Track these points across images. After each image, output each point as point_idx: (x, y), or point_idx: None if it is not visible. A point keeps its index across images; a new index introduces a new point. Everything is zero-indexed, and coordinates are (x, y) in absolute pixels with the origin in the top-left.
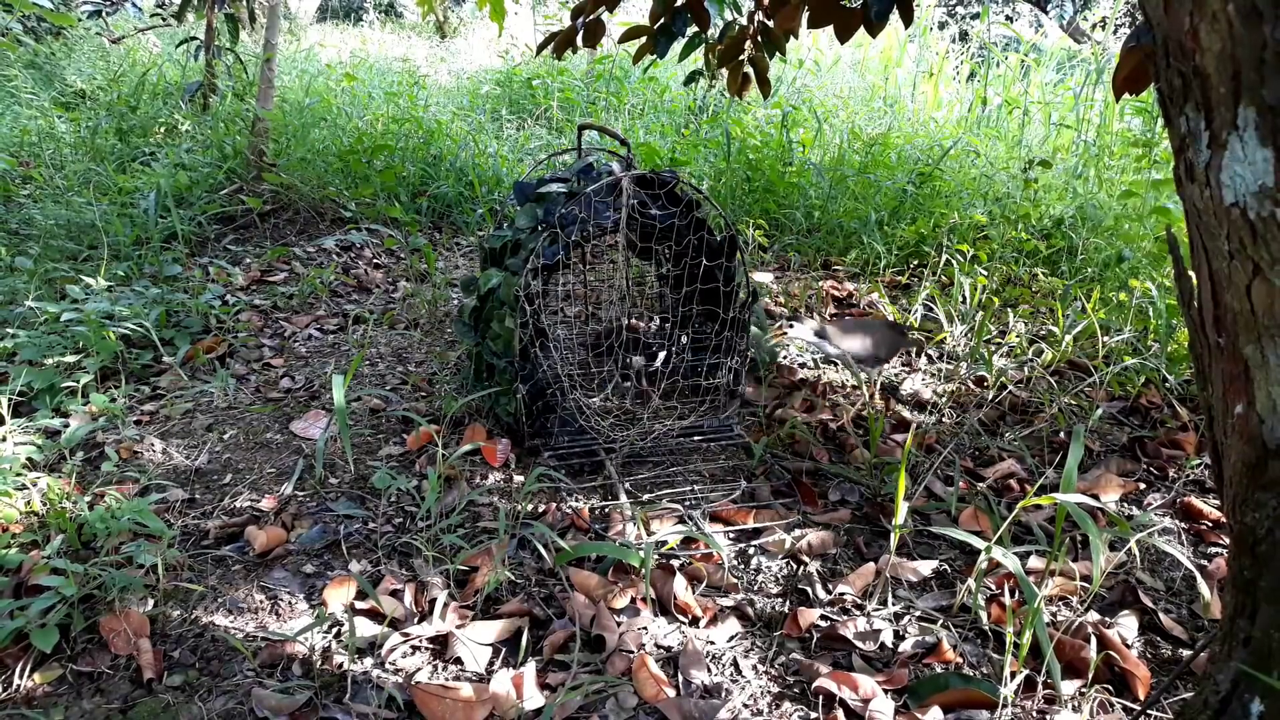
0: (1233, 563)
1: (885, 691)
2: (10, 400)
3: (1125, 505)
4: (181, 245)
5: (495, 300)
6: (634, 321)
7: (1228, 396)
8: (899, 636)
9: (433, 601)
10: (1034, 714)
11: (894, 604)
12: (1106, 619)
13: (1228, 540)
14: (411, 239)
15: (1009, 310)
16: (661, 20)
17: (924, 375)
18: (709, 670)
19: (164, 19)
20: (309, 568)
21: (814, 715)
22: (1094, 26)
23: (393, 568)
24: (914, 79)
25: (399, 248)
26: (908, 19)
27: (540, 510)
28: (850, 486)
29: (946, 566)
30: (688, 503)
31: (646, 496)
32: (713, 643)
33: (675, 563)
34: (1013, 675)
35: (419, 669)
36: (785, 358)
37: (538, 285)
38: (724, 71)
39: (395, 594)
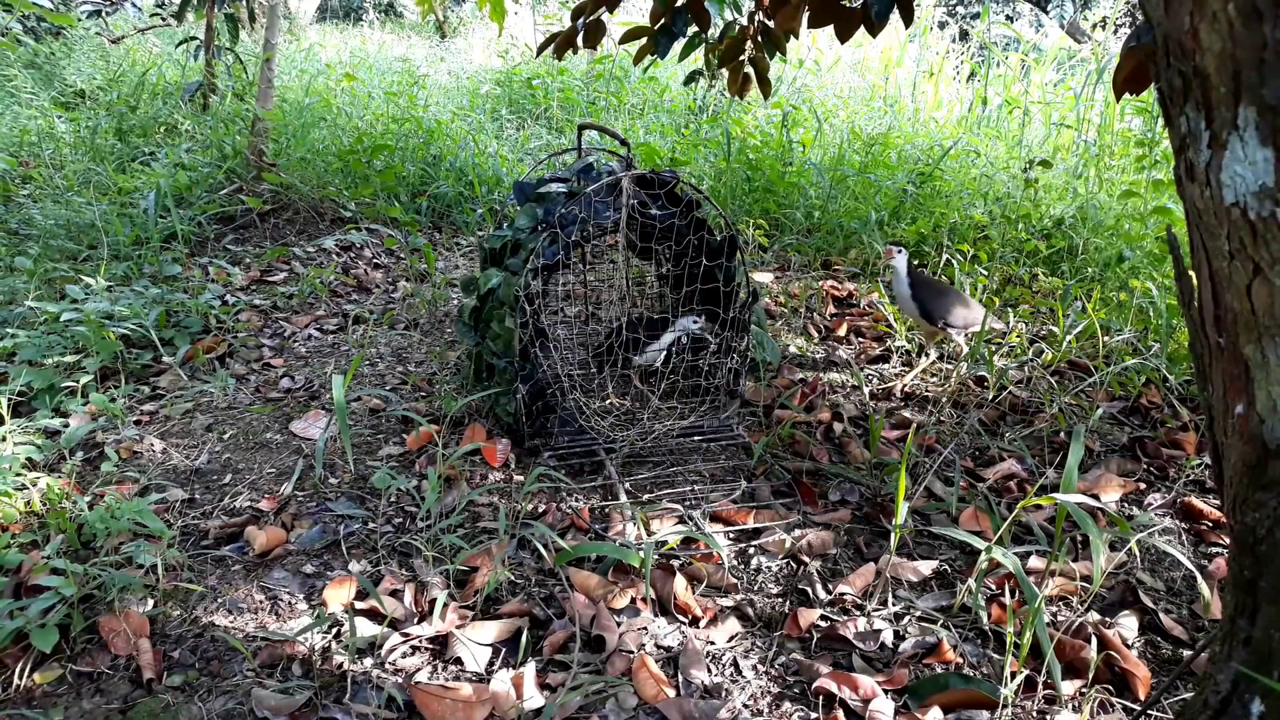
0: (1233, 563)
1: (885, 691)
2: (10, 400)
3: (1125, 505)
4: (181, 245)
5: (495, 300)
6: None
7: (1228, 396)
8: (899, 636)
9: (433, 601)
10: (1034, 714)
11: (894, 604)
12: (1107, 619)
13: (1228, 540)
14: (411, 239)
15: (1009, 310)
16: (662, 20)
17: (925, 375)
18: (709, 670)
19: (164, 19)
20: (309, 568)
21: (814, 715)
22: (1094, 26)
23: (393, 568)
24: (914, 79)
25: (399, 248)
26: (908, 19)
27: (540, 510)
28: (850, 486)
29: (946, 566)
30: (688, 503)
31: (646, 496)
32: (713, 643)
33: (675, 563)
34: (1013, 675)
35: (419, 669)
36: (786, 357)
37: (538, 285)
38: (724, 71)
39: (395, 594)
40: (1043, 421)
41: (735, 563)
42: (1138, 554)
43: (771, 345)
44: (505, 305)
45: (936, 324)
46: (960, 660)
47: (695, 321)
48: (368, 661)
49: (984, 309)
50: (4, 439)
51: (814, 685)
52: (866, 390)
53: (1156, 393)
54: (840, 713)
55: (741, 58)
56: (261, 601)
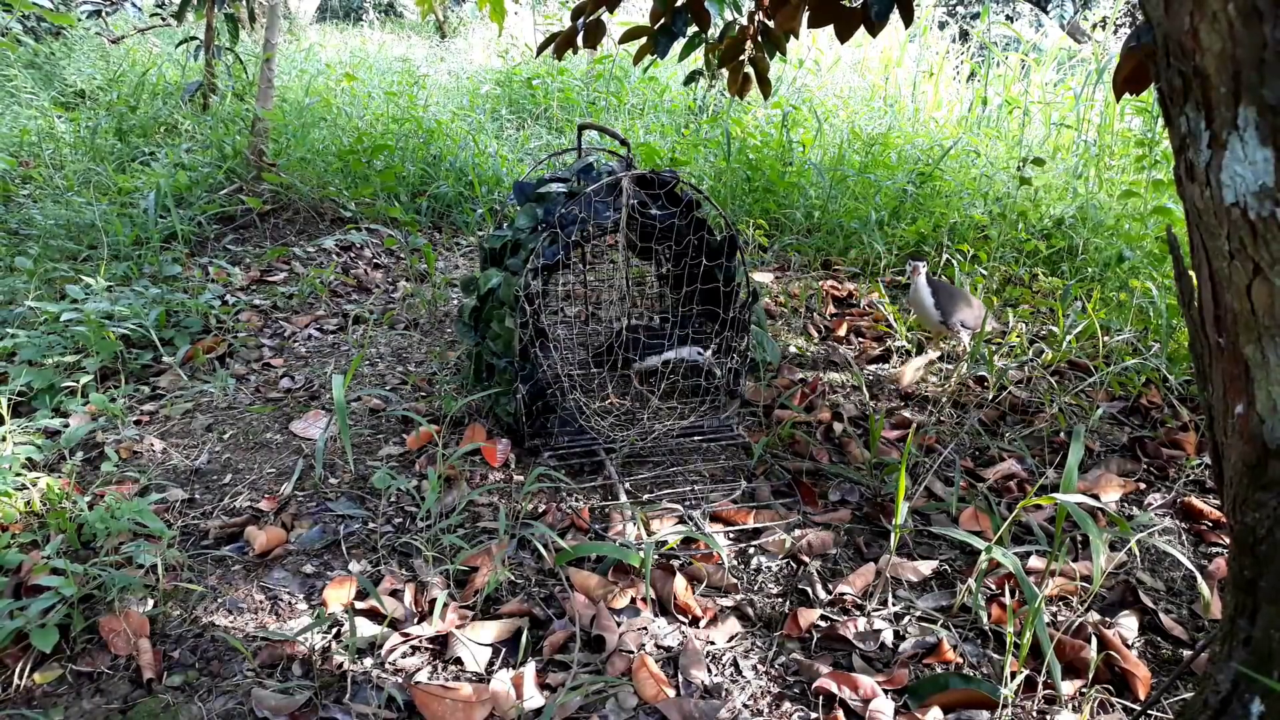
0: (1233, 563)
1: (885, 691)
2: (10, 400)
3: (1125, 505)
4: (181, 245)
5: (495, 300)
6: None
7: (1228, 396)
8: (899, 636)
9: (433, 601)
10: (1034, 714)
11: (894, 604)
12: (1107, 619)
13: (1228, 540)
14: (411, 239)
15: (1009, 310)
16: (662, 20)
17: (925, 372)
18: (709, 670)
19: (164, 19)
20: (309, 568)
21: (814, 715)
22: (1094, 26)
23: (393, 568)
24: (914, 79)
25: (399, 248)
26: (908, 19)
27: (540, 510)
28: (850, 486)
29: (946, 566)
30: (688, 503)
31: (646, 496)
32: (713, 643)
33: (675, 563)
34: (1013, 675)
35: (419, 669)
36: (786, 357)
37: (538, 285)
38: (724, 71)
39: (395, 594)
40: (1043, 421)
41: (735, 563)
42: (1138, 554)
43: (771, 345)
44: (505, 305)
45: (953, 326)
46: (960, 660)
47: (700, 353)
48: (368, 661)
49: (985, 308)
50: (4, 439)
51: (814, 685)
52: (866, 390)
53: (1156, 393)
54: (840, 713)
55: (741, 58)
56: (261, 601)
